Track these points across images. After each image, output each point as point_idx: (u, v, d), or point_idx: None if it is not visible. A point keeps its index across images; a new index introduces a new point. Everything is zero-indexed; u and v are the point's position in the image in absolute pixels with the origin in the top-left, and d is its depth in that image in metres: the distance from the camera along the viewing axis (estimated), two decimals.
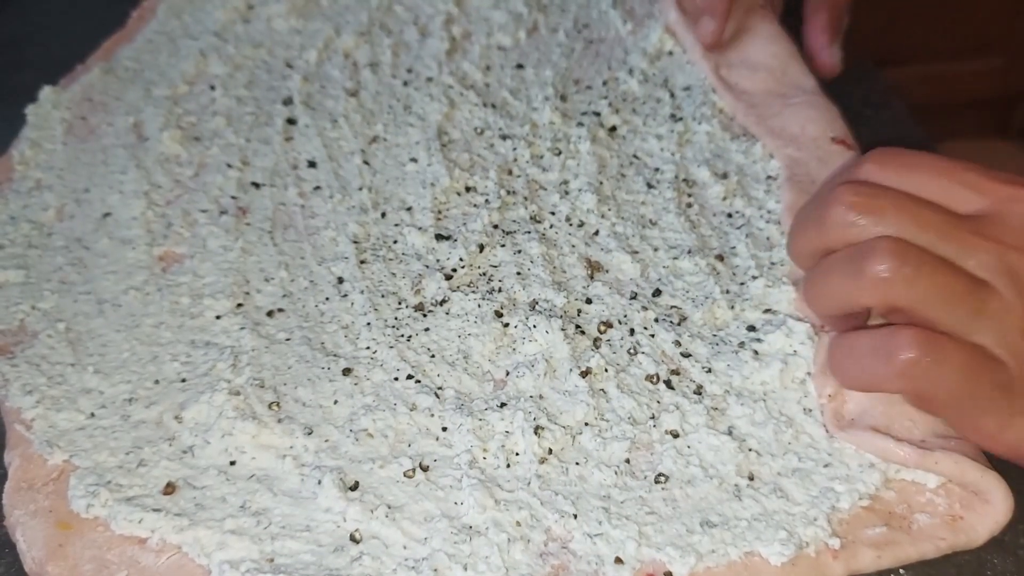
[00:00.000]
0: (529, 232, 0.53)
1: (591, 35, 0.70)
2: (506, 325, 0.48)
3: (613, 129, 0.61)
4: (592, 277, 0.51)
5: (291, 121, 0.62)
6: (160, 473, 0.42)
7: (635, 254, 0.52)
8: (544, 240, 0.53)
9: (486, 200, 0.55)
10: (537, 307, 0.49)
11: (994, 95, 1.33)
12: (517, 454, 0.42)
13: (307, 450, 0.42)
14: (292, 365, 0.46)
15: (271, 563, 0.38)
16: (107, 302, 0.50)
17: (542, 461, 0.42)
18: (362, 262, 0.52)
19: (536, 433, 0.42)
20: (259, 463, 0.42)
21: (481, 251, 0.52)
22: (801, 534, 0.39)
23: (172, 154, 0.59)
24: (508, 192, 0.56)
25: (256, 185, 0.57)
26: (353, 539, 0.39)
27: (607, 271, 0.51)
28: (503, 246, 0.52)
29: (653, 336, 0.47)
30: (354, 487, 0.41)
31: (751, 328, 0.47)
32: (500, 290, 0.50)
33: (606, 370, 0.45)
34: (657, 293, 0.50)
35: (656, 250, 0.52)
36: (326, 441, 0.43)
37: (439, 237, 0.53)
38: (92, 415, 0.44)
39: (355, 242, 0.53)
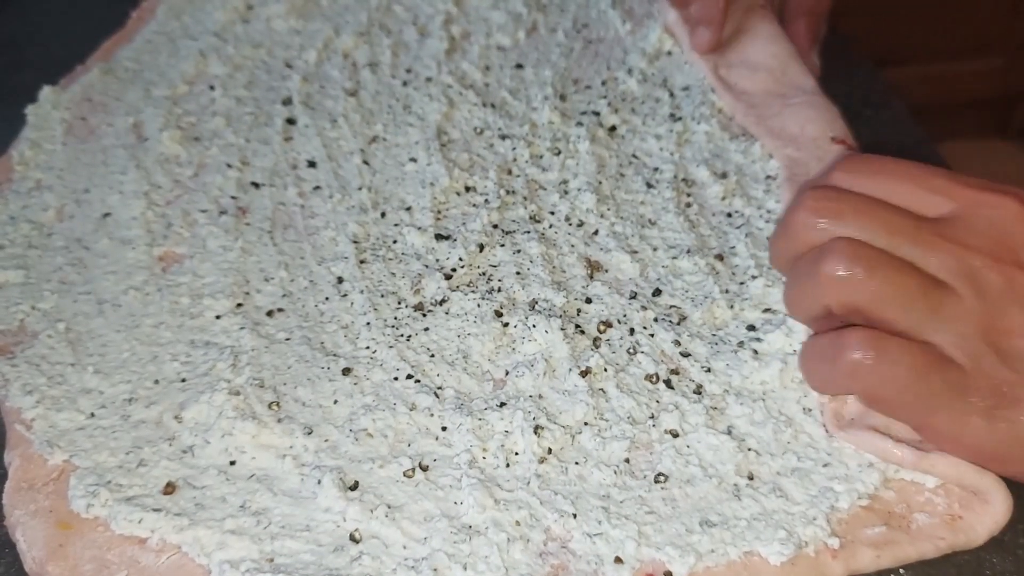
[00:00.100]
0: (528, 232, 0.53)
1: (590, 35, 0.70)
2: (506, 325, 0.48)
3: (612, 129, 0.61)
4: (591, 277, 0.51)
5: (291, 121, 0.62)
6: (160, 473, 0.42)
7: (634, 254, 0.52)
8: (543, 240, 0.53)
9: (485, 200, 0.55)
10: (537, 307, 0.49)
11: (994, 95, 1.33)
12: (517, 454, 0.42)
13: (307, 450, 0.42)
14: (292, 365, 0.46)
15: (271, 563, 0.38)
16: (107, 302, 0.50)
17: (541, 461, 0.42)
18: (362, 262, 0.52)
19: (536, 433, 0.42)
20: (259, 463, 0.42)
21: (481, 251, 0.52)
22: (800, 534, 0.39)
23: (172, 154, 0.59)
24: (507, 192, 0.56)
25: (256, 185, 0.57)
26: (353, 539, 0.39)
27: (606, 271, 0.51)
28: (503, 246, 0.52)
29: (652, 336, 0.47)
30: (354, 487, 0.41)
31: (751, 328, 0.47)
32: (500, 290, 0.50)
33: (605, 370, 0.45)
34: (656, 293, 0.50)
35: (655, 250, 0.52)
36: (326, 441, 0.43)
37: (439, 237, 0.53)
38: (92, 415, 0.44)
39: (355, 242, 0.53)
